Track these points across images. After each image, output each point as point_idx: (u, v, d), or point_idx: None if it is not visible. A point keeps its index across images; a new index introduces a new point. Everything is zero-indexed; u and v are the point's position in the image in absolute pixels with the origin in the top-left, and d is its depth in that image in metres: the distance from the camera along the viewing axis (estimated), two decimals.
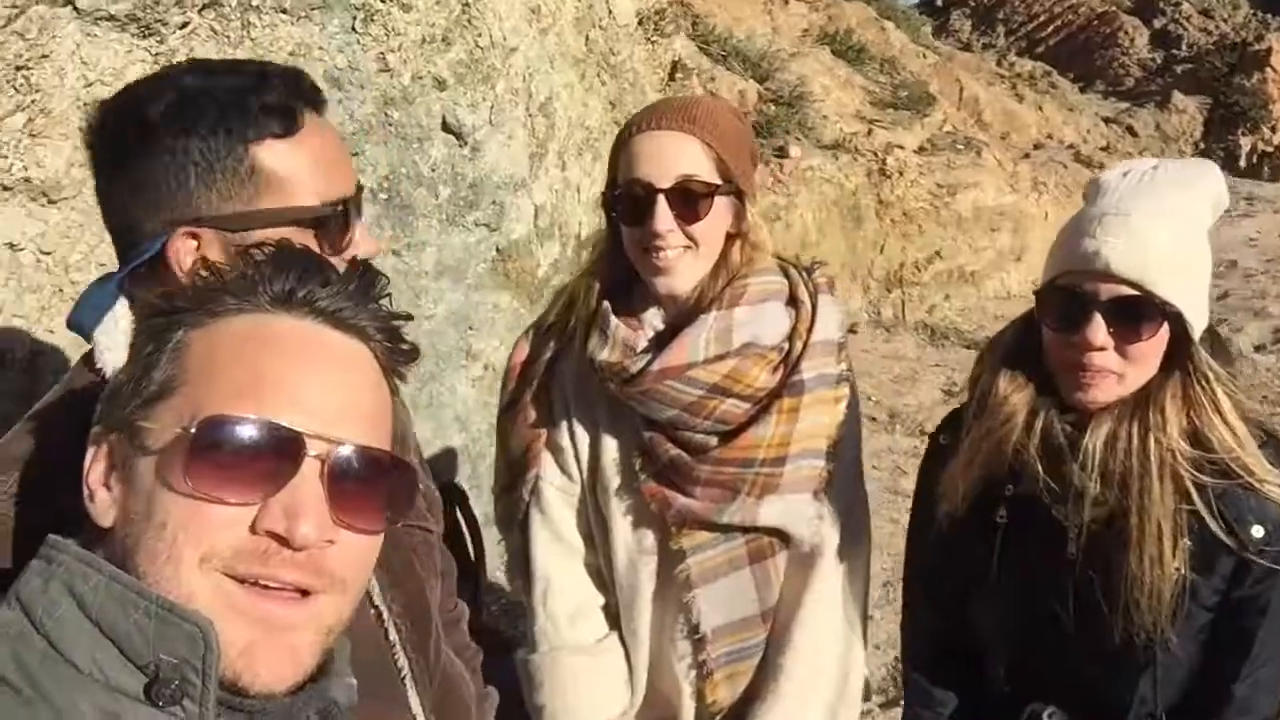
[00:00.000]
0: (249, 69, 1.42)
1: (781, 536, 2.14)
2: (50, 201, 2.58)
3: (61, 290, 2.64)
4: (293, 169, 1.36)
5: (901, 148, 9.35)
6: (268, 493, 0.96)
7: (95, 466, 1.01)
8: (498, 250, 4.09)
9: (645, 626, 2.21)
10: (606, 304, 2.08)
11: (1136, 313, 1.76)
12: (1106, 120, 20.61)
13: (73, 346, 2.68)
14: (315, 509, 0.97)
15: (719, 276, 2.04)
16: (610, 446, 2.15)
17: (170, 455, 0.96)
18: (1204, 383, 1.79)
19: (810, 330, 2.08)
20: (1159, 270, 1.74)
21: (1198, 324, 1.81)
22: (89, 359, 1.40)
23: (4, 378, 2.52)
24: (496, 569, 4.65)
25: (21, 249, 2.57)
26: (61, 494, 1.07)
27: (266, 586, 0.96)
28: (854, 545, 2.20)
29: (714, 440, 2.06)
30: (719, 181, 1.97)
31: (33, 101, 2.50)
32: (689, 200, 1.94)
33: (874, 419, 7.15)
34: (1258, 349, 9.14)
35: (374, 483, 1.03)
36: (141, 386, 1.01)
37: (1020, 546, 1.97)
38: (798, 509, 2.10)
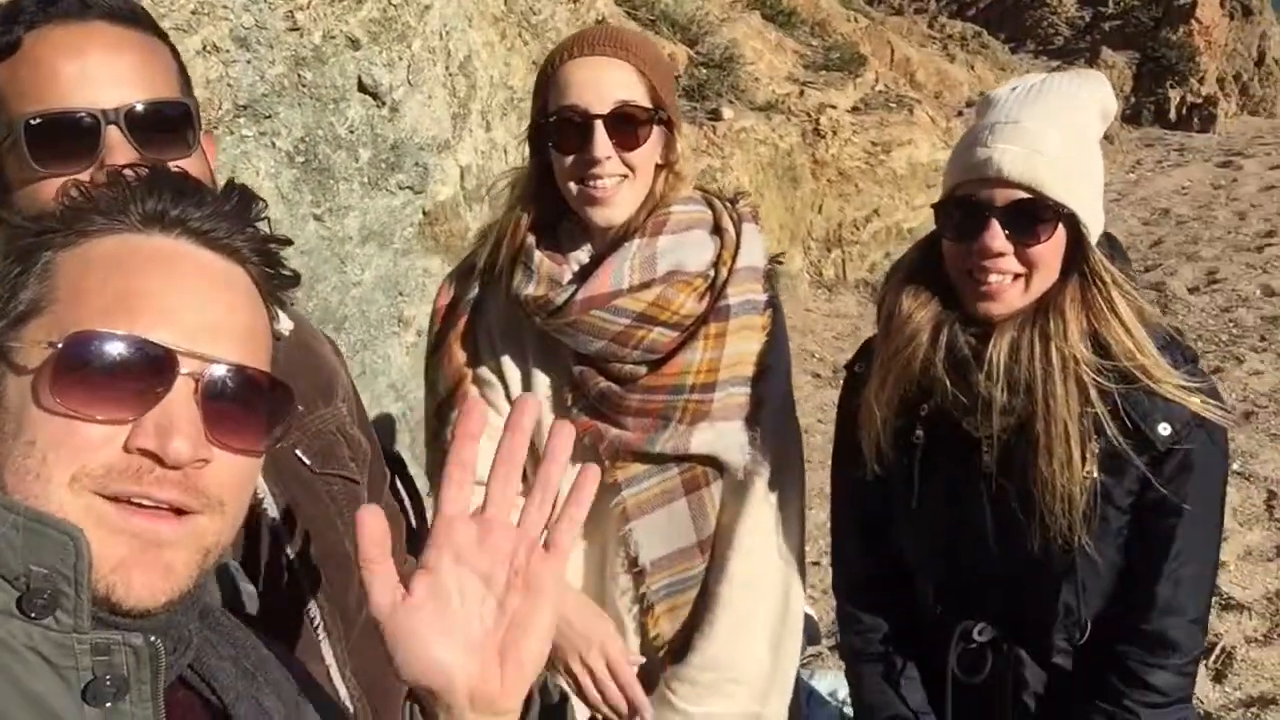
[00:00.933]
0: None
1: (715, 465, 2.13)
2: None
3: None
4: (7, 84, 1.31)
5: (834, 107, 9.36)
6: (140, 411, 0.94)
7: None
8: (424, 213, 4.03)
9: (579, 562, 2.19)
10: (531, 239, 2.05)
11: (1032, 215, 1.78)
12: None
13: None
14: (188, 427, 0.95)
15: (643, 206, 2.03)
16: (541, 384, 2.12)
17: (39, 373, 0.93)
18: (1100, 284, 1.80)
19: (735, 256, 2.07)
20: (1051, 172, 1.76)
21: (1093, 227, 1.83)
22: None
23: None
24: None
25: None
26: None
27: (141, 505, 0.94)
28: (787, 474, 2.19)
29: (643, 370, 2.05)
30: (653, 108, 1.96)
31: None
32: (627, 126, 1.92)
33: (818, 375, 7.18)
34: (1191, 291, 9.29)
35: (250, 402, 1.01)
36: (9, 308, 0.98)
37: (938, 464, 1.98)
38: (729, 436, 2.10)
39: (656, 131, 1.98)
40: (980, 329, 1.86)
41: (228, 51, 3.12)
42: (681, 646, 2.19)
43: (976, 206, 1.80)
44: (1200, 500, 1.84)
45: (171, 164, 1.30)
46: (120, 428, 0.93)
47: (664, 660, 2.20)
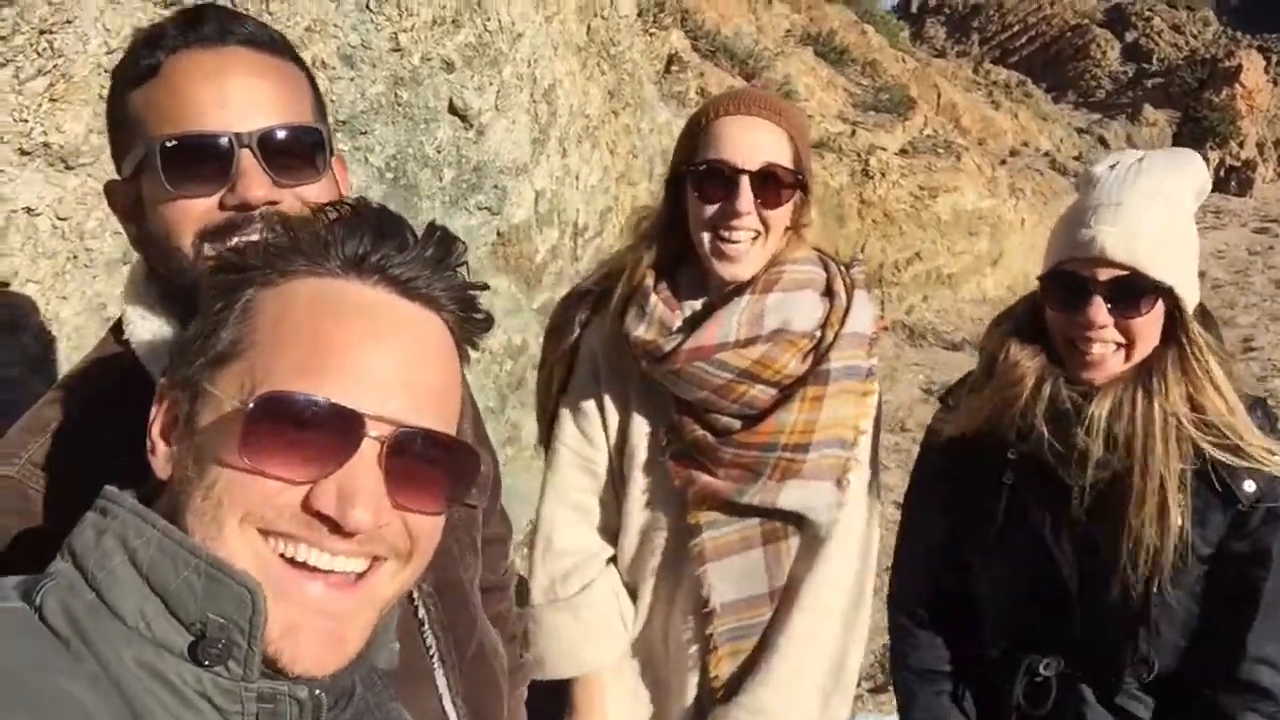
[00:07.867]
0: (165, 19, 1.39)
1: (797, 521, 2.17)
2: (68, 167, 2.57)
3: (76, 257, 2.62)
4: (145, 107, 1.31)
5: (884, 149, 9.44)
6: (323, 471, 0.93)
7: (158, 420, 1.00)
8: (498, 234, 4.10)
9: (649, 597, 2.26)
10: (649, 280, 2.11)
11: (1132, 291, 1.88)
12: (1079, 130, 20.86)
13: (86, 313, 2.67)
14: (371, 492, 0.94)
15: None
16: (640, 422, 2.19)
17: (227, 425, 0.93)
18: (1198, 353, 1.90)
19: (843, 322, 2.12)
20: (1149, 253, 1.87)
21: (1190, 299, 1.93)
22: (118, 328, 1.40)
23: (15, 344, 2.50)
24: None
25: (38, 214, 2.55)
26: (79, 459, 1.06)
27: (315, 569, 0.94)
28: (866, 535, 2.24)
29: (738, 424, 2.10)
30: (795, 171, 2.03)
31: (55, 66, 2.49)
32: (772, 186, 1.99)
33: None
34: None
35: (435, 465, 0.99)
36: (209, 344, 0.98)
37: (1025, 508, 2.05)
38: (817, 496, 2.14)
39: (796, 196, 2.04)
40: (1082, 387, 1.95)
41: (334, 68, 3.21)
42: (734, 687, 2.24)
43: (1080, 282, 1.90)
44: None
45: (301, 189, 1.32)
46: (301, 487, 0.93)
47: (717, 699, 2.25)
